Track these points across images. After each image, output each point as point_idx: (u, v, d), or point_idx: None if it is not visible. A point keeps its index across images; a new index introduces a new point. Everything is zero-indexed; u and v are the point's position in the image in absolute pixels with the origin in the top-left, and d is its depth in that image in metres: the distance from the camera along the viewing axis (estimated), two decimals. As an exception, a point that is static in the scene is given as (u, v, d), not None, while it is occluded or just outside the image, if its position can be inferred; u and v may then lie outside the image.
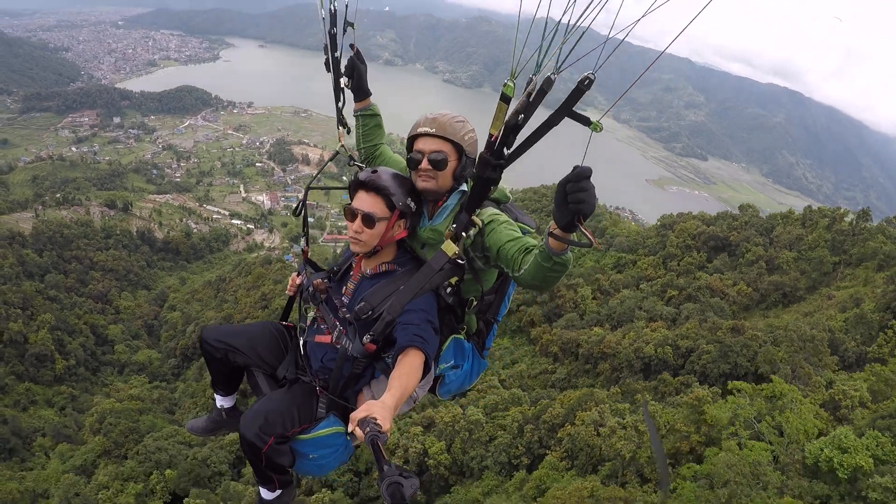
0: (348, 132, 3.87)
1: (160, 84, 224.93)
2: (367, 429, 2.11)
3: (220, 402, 3.90)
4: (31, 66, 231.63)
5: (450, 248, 2.93)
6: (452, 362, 3.28)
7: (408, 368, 2.70)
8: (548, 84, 2.26)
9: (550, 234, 2.43)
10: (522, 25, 2.15)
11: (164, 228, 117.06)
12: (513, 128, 2.44)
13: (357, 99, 3.77)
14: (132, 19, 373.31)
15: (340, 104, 3.81)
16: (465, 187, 3.25)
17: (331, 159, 4.04)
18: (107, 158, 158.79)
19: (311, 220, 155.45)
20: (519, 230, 3.00)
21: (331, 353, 3.28)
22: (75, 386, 62.66)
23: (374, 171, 3.14)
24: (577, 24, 2.12)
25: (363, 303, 3.12)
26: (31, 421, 53.31)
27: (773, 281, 52.12)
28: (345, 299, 3.28)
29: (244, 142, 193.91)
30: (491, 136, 2.52)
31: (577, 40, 2.14)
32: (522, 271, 2.73)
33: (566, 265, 2.57)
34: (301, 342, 3.54)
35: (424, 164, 3.14)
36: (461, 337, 3.35)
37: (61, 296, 77.39)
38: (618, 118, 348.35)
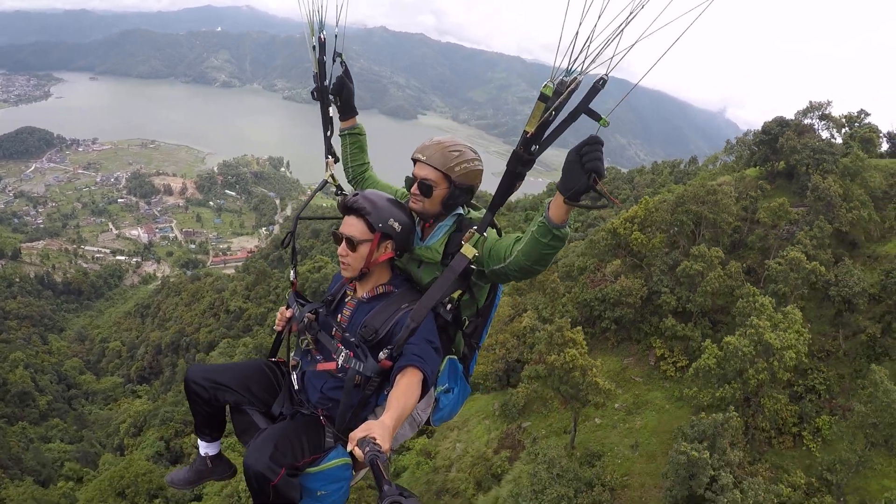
0: (336, 161, 3.87)
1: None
2: (367, 448, 2.10)
3: (205, 448, 3.61)
4: None
5: (469, 250, 2.91)
6: (447, 385, 3.23)
7: (405, 388, 2.65)
8: (575, 84, 2.49)
9: (557, 205, 2.55)
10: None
11: (57, 271, 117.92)
12: (544, 123, 2.56)
13: (345, 118, 3.85)
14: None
15: (328, 133, 3.84)
16: (460, 210, 3.32)
17: (319, 188, 3.93)
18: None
19: (192, 246, 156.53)
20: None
21: (331, 382, 3.18)
22: (64, 418, 63.16)
23: (356, 195, 3.16)
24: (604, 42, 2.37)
25: (365, 327, 3.07)
26: (44, 455, 53.24)
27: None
28: (343, 326, 3.22)
29: (98, 179, 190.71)
30: (526, 133, 2.59)
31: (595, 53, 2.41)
32: (513, 256, 2.83)
33: (564, 239, 2.63)
34: (296, 376, 3.38)
35: (414, 188, 3.24)
36: (455, 358, 3.33)
37: (12, 337, 78.23)
38: (457, 119, 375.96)
